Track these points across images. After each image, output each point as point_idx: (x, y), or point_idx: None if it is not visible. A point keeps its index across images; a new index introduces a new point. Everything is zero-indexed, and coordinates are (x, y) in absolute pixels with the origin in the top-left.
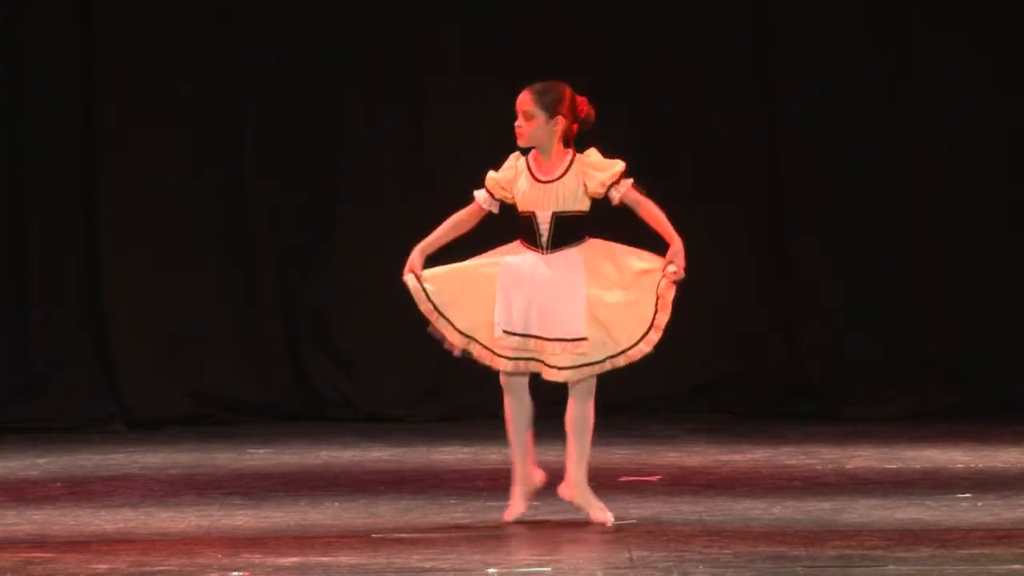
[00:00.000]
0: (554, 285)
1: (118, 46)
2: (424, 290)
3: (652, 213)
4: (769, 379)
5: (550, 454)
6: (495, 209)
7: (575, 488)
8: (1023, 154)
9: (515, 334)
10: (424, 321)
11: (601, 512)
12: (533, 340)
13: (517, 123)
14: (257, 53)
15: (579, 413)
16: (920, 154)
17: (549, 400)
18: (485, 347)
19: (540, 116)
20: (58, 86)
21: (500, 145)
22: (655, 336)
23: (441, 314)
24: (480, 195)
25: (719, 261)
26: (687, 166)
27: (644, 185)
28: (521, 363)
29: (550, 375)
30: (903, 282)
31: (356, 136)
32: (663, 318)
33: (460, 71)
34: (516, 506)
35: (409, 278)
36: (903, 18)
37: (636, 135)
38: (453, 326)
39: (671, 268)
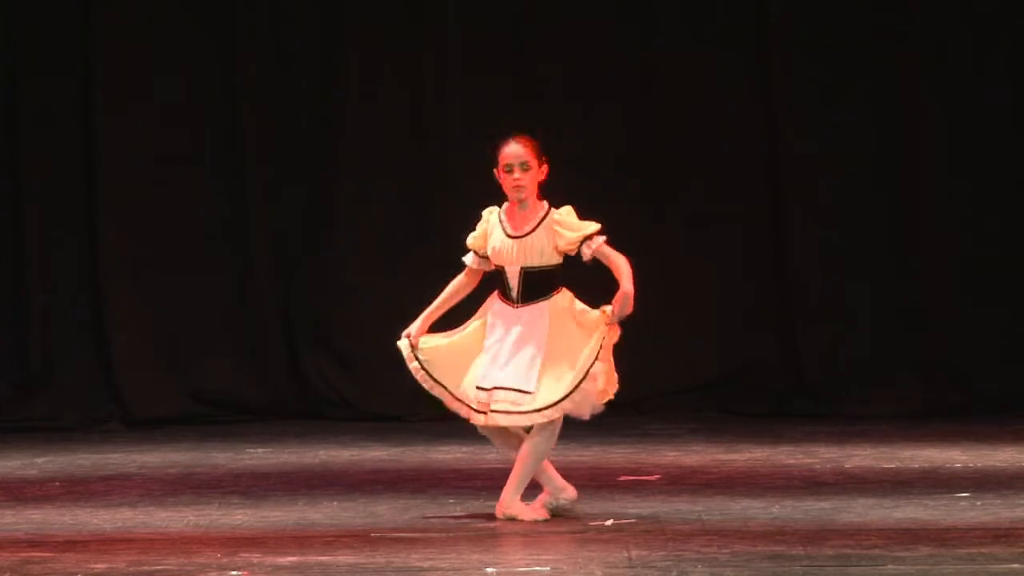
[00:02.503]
0: (519, 341)
1: (118, 46)
2: (416, 358)
3: (618, 267)
4: (768, 379)
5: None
6: (488, 267)
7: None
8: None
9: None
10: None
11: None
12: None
13: (515, 176)
14: (257, 52)
15: (532, 442)
16: (920, 154)
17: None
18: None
19: (534, 165)
20: (58, 86)
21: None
22: (590, 385)
23: (436, 381)
24: (468, 259)
25: (718, 261)
26: (687, 166)
27: (640, 181)
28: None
29: (477, 420)
30: (903, 282)
31: (356, 137)
32: (589, 384)
33: (460, 70)
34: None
35: (403, 343)
36: (904, 15)
37: (636, 134)
38: (446, 389)
39: (608, 308)
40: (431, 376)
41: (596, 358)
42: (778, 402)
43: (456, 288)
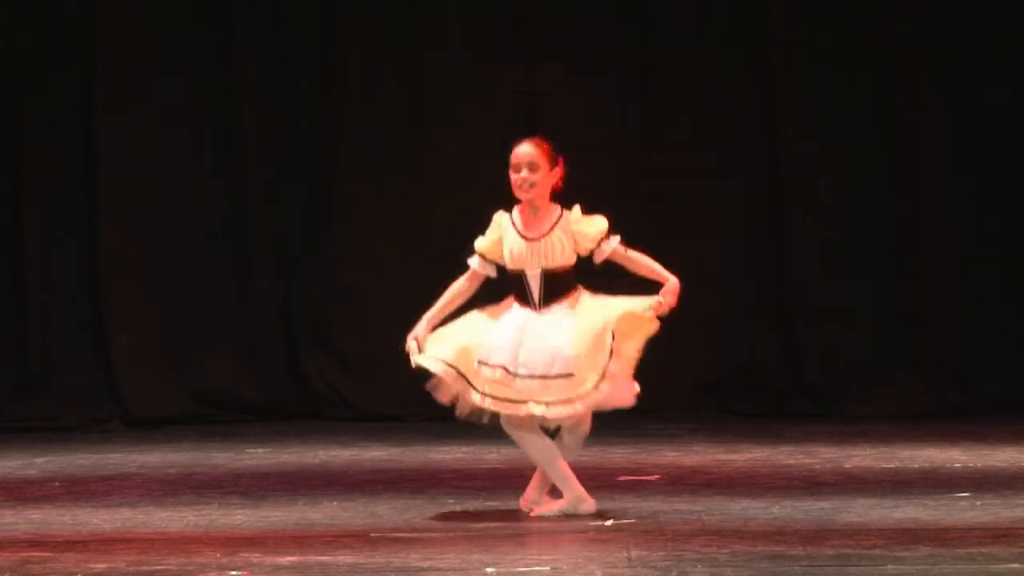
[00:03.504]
0: (543, 336)
1: (118, 46)
2: (424, 359)
3: (643, 263)
4: (768, 379)
5: None
6: (492, 272)
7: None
8: None
9: (493, 366)
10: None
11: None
12: (514, 376)
13: (521, 175)
14: (257, 52)
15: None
16: (920, 154)
17: None
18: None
19: (544, 167)
20: (58, 86)
21: (503, 145)
22: (605, 386)
23: (450, 365)
24: (474, 262)
25: (718, 260)
26: (686, 166)
27: (640, 181)
28: (488, 400)
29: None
30: (903, 282)
31: (356, 137)
32: (611, 379)
33: (460, 71)
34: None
35: (411, 346)
36: (904, 16)
37: (635, 134)
38: (459, 372)
39: (660, 299)
40: (455, 369)
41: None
42: (778, 402)
43: (458, 291)
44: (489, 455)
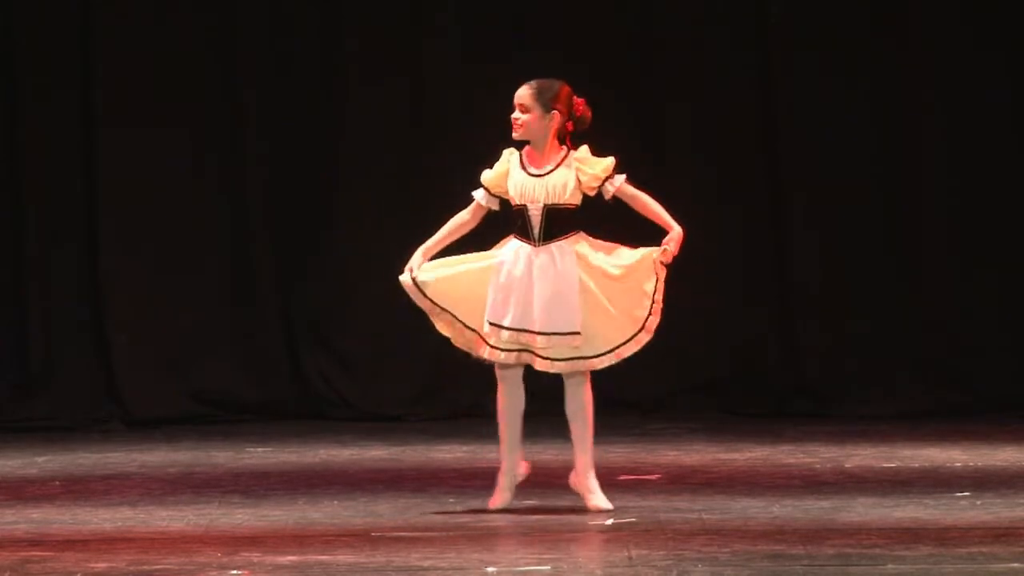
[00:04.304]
0: (548, 279)
1: (118, 46)
2: (418, 287)
3: (648, 205)
4: (768, 378)
5: (550, 452)
6: (495, 206)
7: (579, 476)
8: None
9: (508, 328)
10: (422, 317)
11: (598, 499)
12: (526, 334)
13: (514, 115)
14: (257, 52)
15: (577, 403)
16: (920, 154)
17: (549, 396)
18: (482, 339)
19: (536, 110)
20: (57, 85)
21: (503, 144)
22: (645, 337)
23: (442, 308)
24: (479, 194)
25: (718, 260)
26: (685, 165)
27: (640, 181)
28: (514, 355)
29: (542, 366)
30: (903, 282)
31: (356, 137)
32: (654, 321)
33: (460, 70)
34: (501, 496)
35: (404, 276)
36: (904, 16)
37: (634, 133)
38: (455, 317)
39: (665, 248)
40: (439, 306)
41: (654, 303)
42: (778, 402)
43: (459, 223)
44: (489, 454)
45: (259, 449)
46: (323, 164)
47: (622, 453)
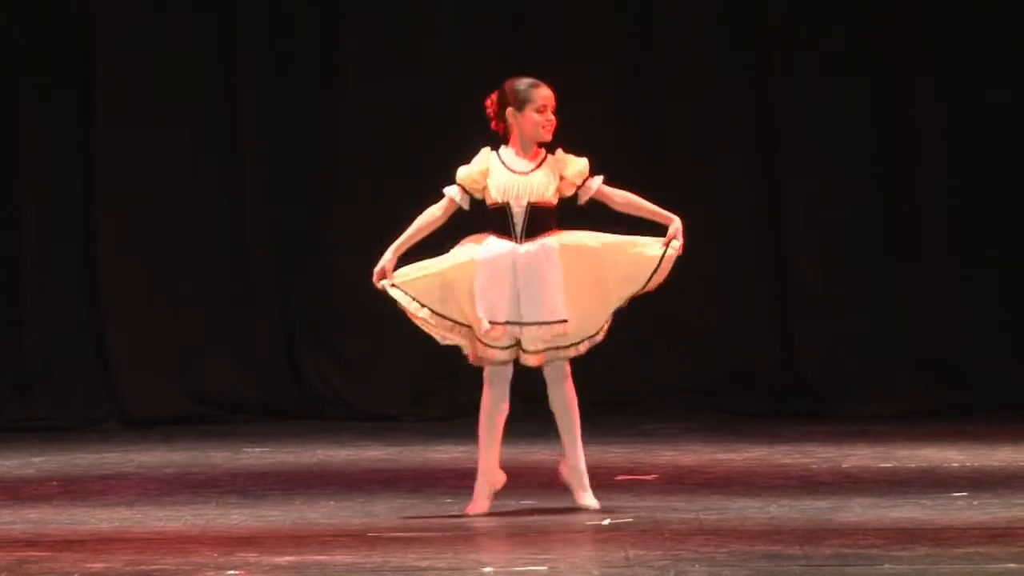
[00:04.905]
0: (532, 271)
1: (118, 46)
2: (407, 295)
3: (636, 202)
4: (765, 378)
5: (546, 452)
6: (466, 205)
7: (567, 469)
8: None
9: (500, 323)
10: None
11: (585, 497)
12: (519, 326)
13: (549, 116)
14: (257, 52)
15: (559, 397)
16: (920, 154)
17: (535, 398)
18: (478, 340)
19: (493, 118)
20: (56, 84)
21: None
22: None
23: (435, 312)
24: (453, 191)
25: (717, 260)
26: (685, 165)
27: (640, 181)
28: (506, 351)
29: (523, 360)
30: (903, 282)
31: (356, 137)
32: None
33: (460, 70)
34: (480, 504)
35: (384, 284)
36: (904, 15)
37: (634, 133)
38: (450, 320)
39: (675, 243)
40: (424, 305)
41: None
42: (777, 402)
43: (430, 220)
44: None
45: (256, 449)
46: (323, 164)
47: (619, 453)
